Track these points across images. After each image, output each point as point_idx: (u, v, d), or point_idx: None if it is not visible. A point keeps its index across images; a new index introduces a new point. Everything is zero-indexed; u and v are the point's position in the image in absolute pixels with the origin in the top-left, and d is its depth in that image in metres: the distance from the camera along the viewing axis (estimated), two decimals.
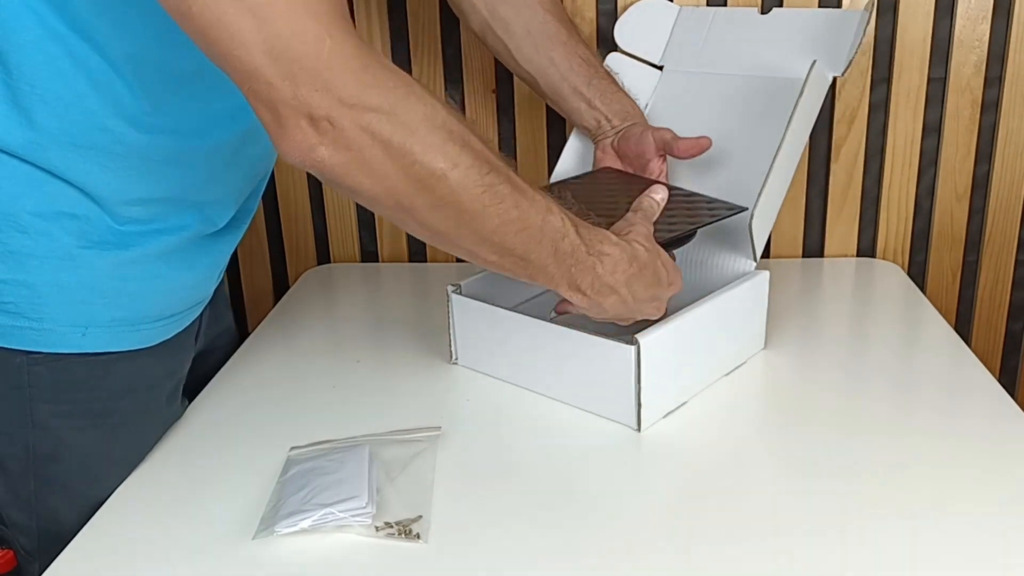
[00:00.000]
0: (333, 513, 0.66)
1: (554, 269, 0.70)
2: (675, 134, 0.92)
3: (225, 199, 0.82)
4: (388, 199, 0.61)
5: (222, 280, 0.94)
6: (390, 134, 0.58)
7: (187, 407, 0.86)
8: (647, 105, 1.05)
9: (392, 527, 0.66)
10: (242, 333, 1.25)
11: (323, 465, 0.73)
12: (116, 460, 0.77)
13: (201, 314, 0.87)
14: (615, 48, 1.05)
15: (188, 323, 0.83)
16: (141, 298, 0.76)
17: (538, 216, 0.67)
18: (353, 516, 0.66)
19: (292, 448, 0.77)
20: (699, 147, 0.90)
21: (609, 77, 0.96)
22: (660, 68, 1.06)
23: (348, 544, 0.66)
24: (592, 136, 0.98)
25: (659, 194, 0.83)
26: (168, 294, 0.78)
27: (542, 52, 0.95)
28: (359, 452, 0.74)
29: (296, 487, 0.70)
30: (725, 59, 1.02)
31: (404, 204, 0.62)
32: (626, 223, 0.79)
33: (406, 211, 0.63)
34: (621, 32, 1.06)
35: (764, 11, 1.02)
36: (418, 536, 0.65)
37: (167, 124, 0.71)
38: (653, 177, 0.94)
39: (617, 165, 0.96)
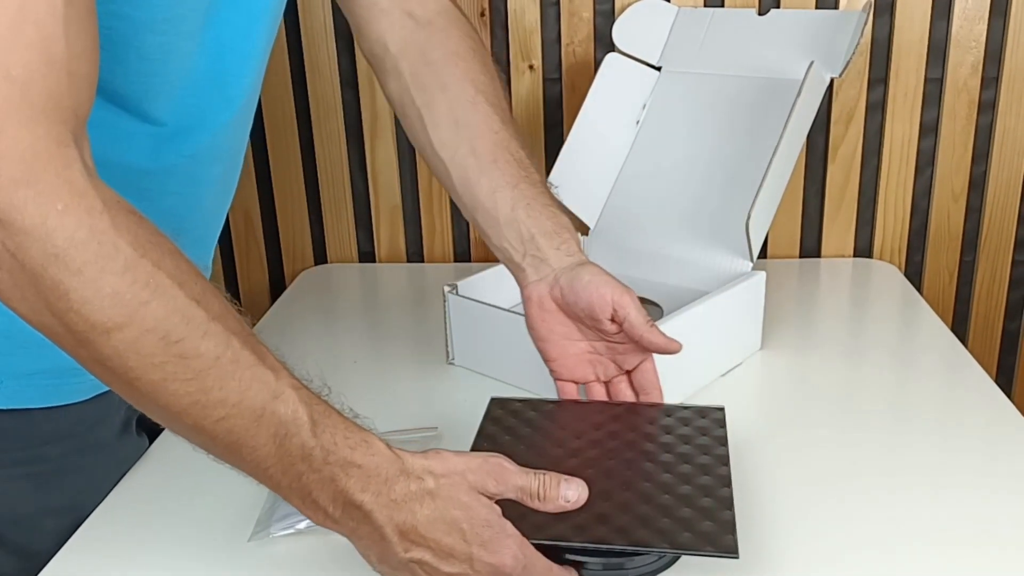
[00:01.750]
0: None
1: (277, 473, 0.52)
2: (641, 310, 0.71)
3: None
4: (49, 335, 0.48)
5: None
6: (40, 266, 0.45)
7: (147, 444, 0.81)
8: (645, 106, 1.05)
9: None
10: None
11: None
12: (53, 509, 0.70)
13: None
14: (613, 48, 1.05)
15: None
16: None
17: (256, 402, 0.50)
18: None
19: None
20: (668, 350, 0.72)
21: (543, 186, 0.77)
22: (658, 69, 1.06)
23: (344, 545, 0.65)
24: (515, 270, 0.76)
25: (573, 491, 0.58)
26: None
27: (463, 137, 0.76)
28: None
29: None
30: (723, 60, 1.02)
31: (65, 348, 0.49)
32: (455, 456, 0.56)
33: (72, 355, 0.49)
34: (619, 32, 1.06)
35: (762, 12, 1.02)
36: None
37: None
38: (604, 349, 0.74)
39: (556, 328, 0.75)
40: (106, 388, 0.69)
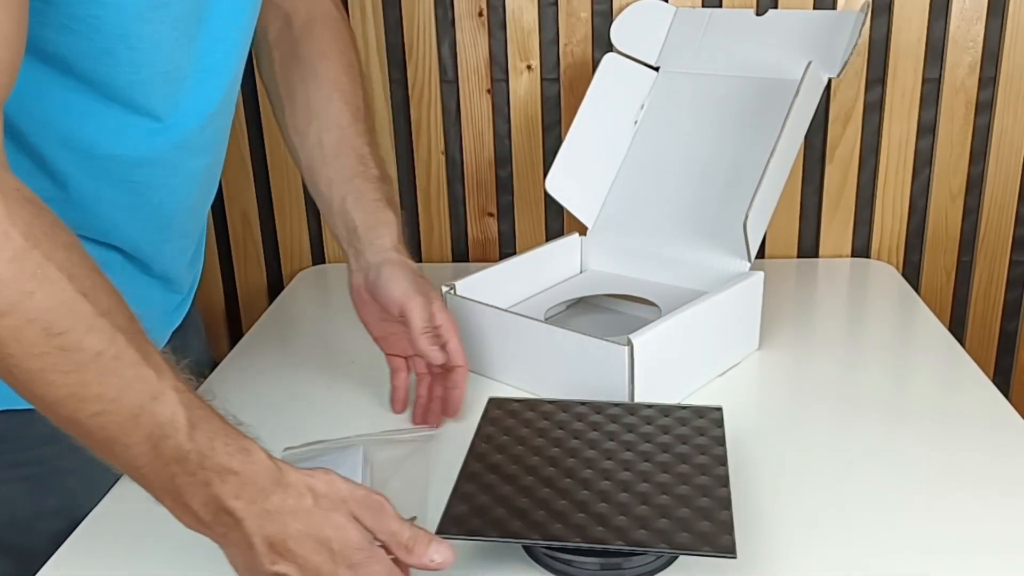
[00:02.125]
0: None
1: (150, 472, 0.52)
2: (422, 315, 0.74)
3: (115, 232, 0.71)
4: None
5: (188, 311, 0.89)
6: None
7: None
8: (643, 106, 1.05)
9: None
10: (236, 334, 1.25)
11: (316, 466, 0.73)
12: (48, 511, 0.71)
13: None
14: (611, 48, 1.05)
15: None
16: None
17: (135, 401, 0.51)
18: None
19: (286, 448, 0.77)
20: (428, 357, 0.76)
21: (379, 182, 0.80)
22: (656, 69, 1.06)
23: None
24: (344, 256, 0.81)
25: (439, 555, 0.55)
26: None
27: (313, 129, 0.81)
28: (353, 453, 0.74)
29: None
30: (721, 60, 1.02)
31: None
32: (341, 482, 0.55)
33: None
34: (617, 33, 1.06)
35: (760, 12, 1.02)
36: None
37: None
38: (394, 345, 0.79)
39: (373, 313, 0.80)
40: None
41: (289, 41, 0.84)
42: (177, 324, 0.87)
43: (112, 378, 0.50)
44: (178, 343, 0.87)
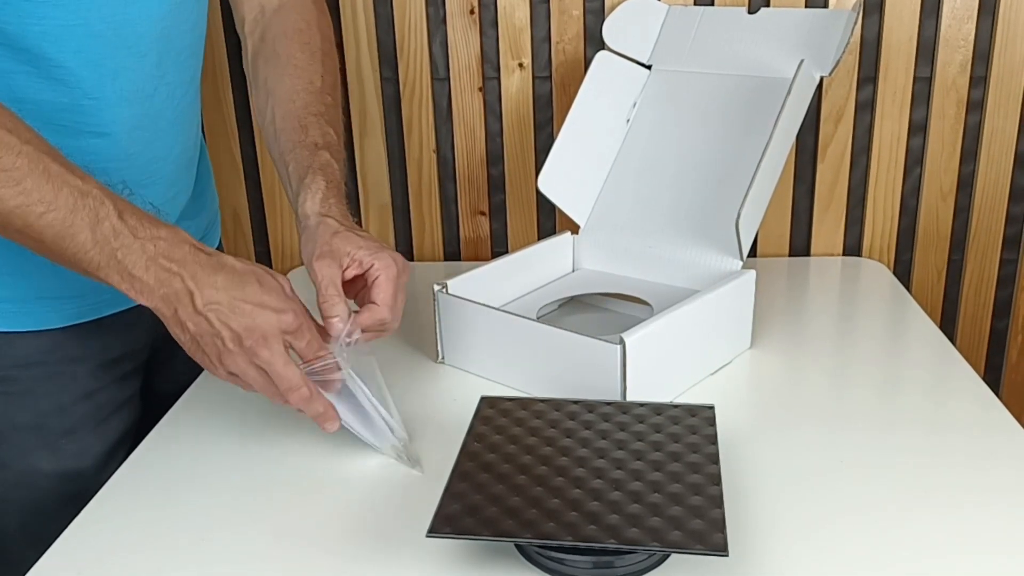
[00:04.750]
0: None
1: (97, 256, 0.64)
2: (332, 282, 0.74)
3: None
4: None
5: None
6: None
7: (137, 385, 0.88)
8: (635, 104, 1.05)
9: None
10: None
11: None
12: (22, 425, 0.80)
13: None
14: (603, 46, 1.05)
15: (118, 309, 0.83)
16: (18, 274, 0.75)
17: (69, 200, 0.63)
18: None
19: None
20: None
21: (316, 147, 0.82)
22: (648, 67, 1.06)
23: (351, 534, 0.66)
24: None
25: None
26: (50, 272, 0.76)
27: (269, 105, 0.86)
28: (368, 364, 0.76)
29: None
30: (713, 58, 1.02)
31: None
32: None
33: None
34: (609, 31, 1.06)
35: (752, 11, 1.02)
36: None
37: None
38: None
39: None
40: (68, 321, 0.81)
41: (260, 28, 0.89)
42: None
43: (46, 185, 0.62)
44: None
